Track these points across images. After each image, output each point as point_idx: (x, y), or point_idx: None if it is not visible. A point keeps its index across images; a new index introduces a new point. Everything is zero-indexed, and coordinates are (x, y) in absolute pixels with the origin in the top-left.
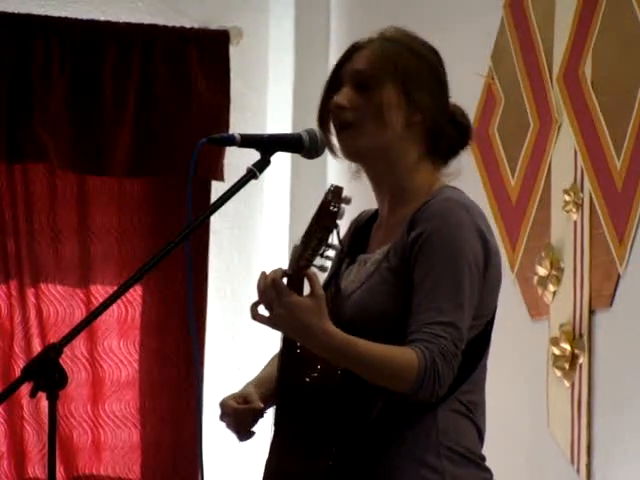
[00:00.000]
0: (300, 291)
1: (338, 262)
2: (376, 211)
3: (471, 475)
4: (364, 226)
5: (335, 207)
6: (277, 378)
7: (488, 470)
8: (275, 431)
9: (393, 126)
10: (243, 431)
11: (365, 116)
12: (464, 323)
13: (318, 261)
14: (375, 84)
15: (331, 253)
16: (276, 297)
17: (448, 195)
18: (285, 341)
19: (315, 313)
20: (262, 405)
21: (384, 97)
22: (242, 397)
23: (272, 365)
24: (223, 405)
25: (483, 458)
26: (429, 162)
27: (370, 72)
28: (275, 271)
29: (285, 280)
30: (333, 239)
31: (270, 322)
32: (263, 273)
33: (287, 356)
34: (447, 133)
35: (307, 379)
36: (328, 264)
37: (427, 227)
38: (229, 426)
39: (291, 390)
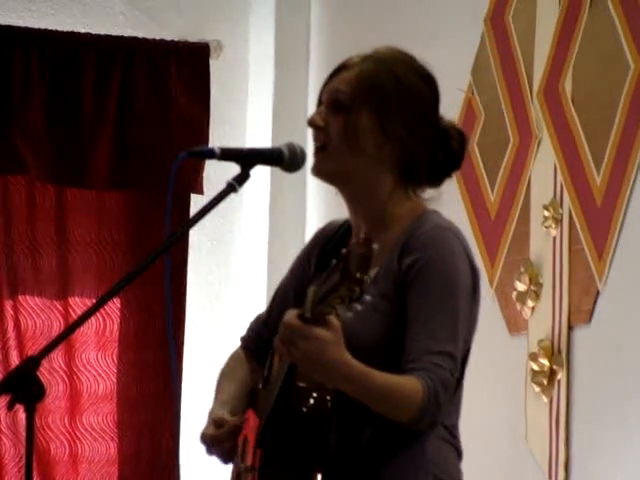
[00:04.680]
0: (324, 322)
1: (302, 273)
2: (349, 226)
3: None
4: (336, 241)
5: (367, 259)
6: (265, 407)
7: None
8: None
9: (364, 152)
10: (229, 454)
11: (336, 139)
12: (459, 352)
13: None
14: (351, 107)
15: (358, 306)
16: (300, 333)
17: (437, 222)
18: (286, 373)
19: (336, 345)
20: (240, 420)
21: (358, 122)
22: (216, 423)
23: (229, 387)
24: (204, 438)
25: None
26: (405, 189)
27: (347, 95)
28: (291, 313)
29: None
30: (363, 291)
31: (293, 358)
32: (283, 322)
33: (285, 387)
34: (425, 161)
35: (304, 409)
36: (349, 315)
37: (421, 256)
38: (218, 455)
39: (283, 419)
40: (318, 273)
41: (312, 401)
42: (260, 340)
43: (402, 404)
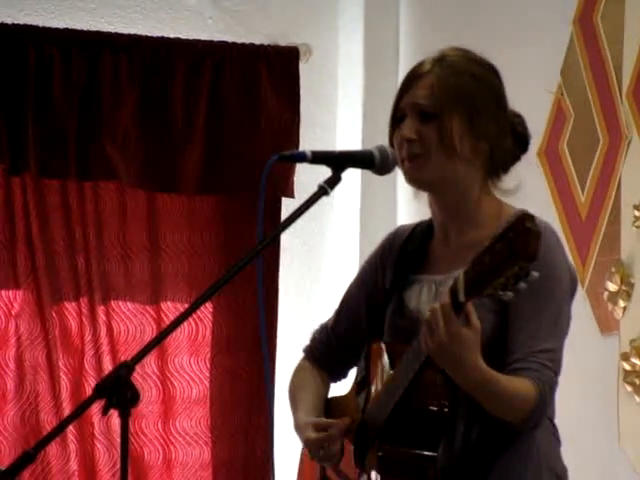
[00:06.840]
0: (466, 319)
1: (374, 281)
2: (428, 227)
3: None
4: (415, 243)
5: (537, 235)
6: (376, 410)
7: None
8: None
9: (460, 157)
10: (338, 456)
11: (433, 148)
12: (561, 349)
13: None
14: (440, 115)
15: (524, 285)
16: (443, 325)
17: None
18: (423, 366)
19: (472, 347)
20: (345, 422)
21: (452, 129)
22: (317, 427)
23: (306, 398)
24: (309, 442)
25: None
26: (488, 182)
27: (434, 104)
28: (445, 300)
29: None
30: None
31: (429, 346)
32: (434, 308)
33: (416, 381)
34: (509, 152)
35: (432, 407)
36: (509, 295)
37: None
38: (327, 458)
39: (408, 413)
40: (398, 277)
41: (441, 400)
42: (328, 349)
43: (516, 408)
